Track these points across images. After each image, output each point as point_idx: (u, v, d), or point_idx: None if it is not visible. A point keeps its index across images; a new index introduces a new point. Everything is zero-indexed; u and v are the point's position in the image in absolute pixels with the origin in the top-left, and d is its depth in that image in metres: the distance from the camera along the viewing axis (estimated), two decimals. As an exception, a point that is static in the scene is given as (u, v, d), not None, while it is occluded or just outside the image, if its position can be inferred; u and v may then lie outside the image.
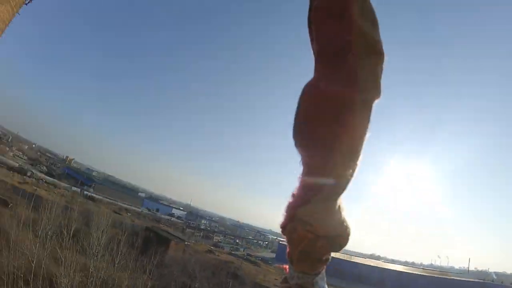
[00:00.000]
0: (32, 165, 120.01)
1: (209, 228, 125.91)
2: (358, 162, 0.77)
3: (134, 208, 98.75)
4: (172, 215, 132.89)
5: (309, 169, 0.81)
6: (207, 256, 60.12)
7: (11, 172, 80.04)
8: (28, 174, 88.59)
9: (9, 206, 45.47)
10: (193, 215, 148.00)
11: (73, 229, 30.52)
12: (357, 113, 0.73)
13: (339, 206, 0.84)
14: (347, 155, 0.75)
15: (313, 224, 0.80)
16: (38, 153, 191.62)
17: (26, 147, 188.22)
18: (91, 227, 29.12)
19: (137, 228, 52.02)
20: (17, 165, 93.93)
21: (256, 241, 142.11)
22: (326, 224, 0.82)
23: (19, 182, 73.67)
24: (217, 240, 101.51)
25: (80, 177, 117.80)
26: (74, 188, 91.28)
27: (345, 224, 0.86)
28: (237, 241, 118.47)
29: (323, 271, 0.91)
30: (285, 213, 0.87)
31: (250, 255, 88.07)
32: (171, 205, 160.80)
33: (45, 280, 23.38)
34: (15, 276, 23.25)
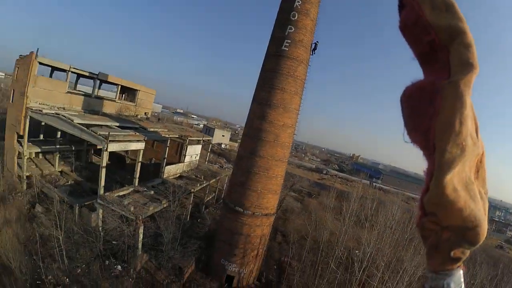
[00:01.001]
0: (325, 164, 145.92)
1: (503, 221, 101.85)
2: (460, 135, 0.73)
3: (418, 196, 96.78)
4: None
5: (425, 158, 0.80)
6: (496, 252, 54.75)
7: (310, 171, 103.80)
8: (324, 172, 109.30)
9: (313, 196, 61.65)
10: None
11: (369, 214, 36.43)
12: (447, 93, 0.73)
13: (464, 187, 0.76)
14: (443, 131, 0.73)
15: (436, 213, 0.76)
16: (328, 155, 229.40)
17: (318, 151, 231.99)
18: (381, 214, 32.65)
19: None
20: (313, 166, 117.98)
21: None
22: (449, 212, 0.75)
23: (318, 179, 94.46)
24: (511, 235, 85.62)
25: (368, 170, 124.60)
26: (364, 181, 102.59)
27: (473, 212, 0.75)
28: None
29: (458, 273, 0.80)
30: (417, 209, 0.82)
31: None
32: None
33: (342, 251, 28.16)
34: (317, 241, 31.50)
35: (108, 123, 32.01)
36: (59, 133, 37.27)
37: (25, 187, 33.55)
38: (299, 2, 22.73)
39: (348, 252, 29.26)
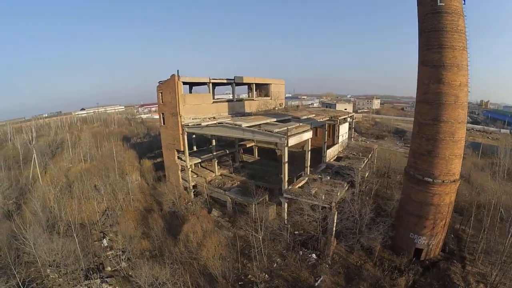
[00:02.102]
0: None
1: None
2: None
3: None
4: None
5: None
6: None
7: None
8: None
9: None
10: None
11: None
12: None
13: None
14: None
15: None
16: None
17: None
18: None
19: None
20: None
21: None
22: None
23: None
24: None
25: (505, 117, 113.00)
26: (503, 130, 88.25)
27: None
28: None
29: None
30: None
31: None
32: None
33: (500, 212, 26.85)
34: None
35: (268, 120, 31.52)
36: (213, 141, 38.85)
37: (192, 196, 36.09)
38: None
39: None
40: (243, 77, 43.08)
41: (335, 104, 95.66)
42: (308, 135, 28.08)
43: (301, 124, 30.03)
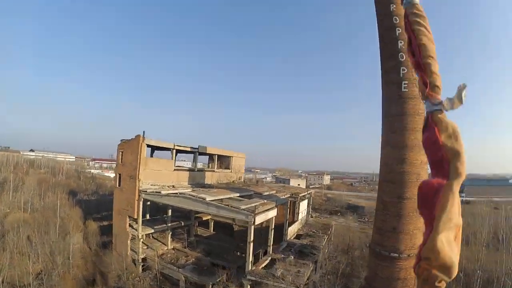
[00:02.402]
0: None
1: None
2: (449, 214, 1.31)
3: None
4: None
5: (426, 224, 1.39)
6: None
7: None
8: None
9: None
10: None
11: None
12: (446, 189, 1.33)
13: (449, 244, 1.29)
14: (440, 210, 1.31)
15: (430, 257, 1.28)
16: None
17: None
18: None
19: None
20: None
21: None
22: (438, 257, 1.26)
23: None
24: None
25: None
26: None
27: (451, 258, 1.28)
28: None
29: None
30: (416, 257, 1.38)
31: None
32: None
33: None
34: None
35: (231, 195, 30.63)
36: (169, 211, 36.55)
37: (141, 270, 32.32)
38: (401, 43, 23.42)
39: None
40: (206, 147, 43.02)
41: (289, 180, 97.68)
42: (273, 212, 27.60)
43: (265, 200, 29.54)
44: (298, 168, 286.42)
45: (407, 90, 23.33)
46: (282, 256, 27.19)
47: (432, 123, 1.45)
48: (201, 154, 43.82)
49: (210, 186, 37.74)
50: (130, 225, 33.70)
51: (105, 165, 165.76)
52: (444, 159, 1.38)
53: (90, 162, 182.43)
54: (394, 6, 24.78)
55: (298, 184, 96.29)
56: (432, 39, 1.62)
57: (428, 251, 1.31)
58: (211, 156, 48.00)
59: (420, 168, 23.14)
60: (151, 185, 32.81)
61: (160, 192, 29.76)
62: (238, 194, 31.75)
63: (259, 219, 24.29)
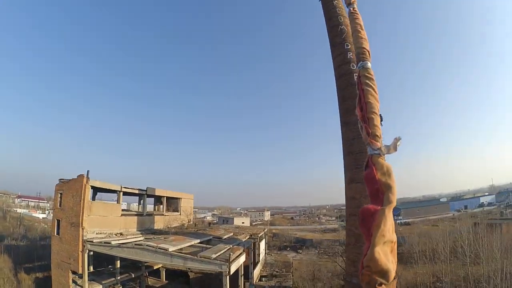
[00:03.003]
0: (342, 220, 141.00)
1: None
2: (383, 231, 1.77)
3: (445, 215, 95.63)
4: (482, 205, 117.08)
5: (366, 240, 1.83)
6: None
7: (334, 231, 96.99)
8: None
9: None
10: (503, 194, 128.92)
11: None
12: (380, 213, 1.79)
13: (384, 255, 1.69)
14: (376, 228, 1.76)
15: (370, 265, 1.65)
16: (335, 210, 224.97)
17: (324, 210, 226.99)
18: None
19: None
20: (336, 226, 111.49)
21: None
22: (376, 265, 1.64)
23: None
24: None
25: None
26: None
27: (386, 265, 1.67)
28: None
29: None
30: (360, 266, 1.72)
31: None
32: (476, 195, 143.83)
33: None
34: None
35: (192, 242, 27.56)
36: (118, 262, 31.45)
37: None
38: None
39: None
40: (155, 189, 39.56)
41: (233, 218, 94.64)
42: (243, 258, 25.26)
43: (232, 245, 27.10)
44: (236, 205, 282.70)
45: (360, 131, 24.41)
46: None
47: (371, 163, 1.96)
48: (149, 196, 40.05)
49: (162, 232, 33.90)
50: (73, 281, 28.09)
51: (32, 203, 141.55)
52: (380, 191, 1.84)
53: (16, 200, 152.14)
54: (351, 55, 26.81)
55: (242, 222, 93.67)
56: (377, 98, 2.16)
57: (368, 260, 1.66)
58: (158, 198, 44.34)
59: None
60: (96, 233, 28.26)
61: (109, 243, 25.42)
62: (198, 240, 28.78)
63: (234, 267, 21.80)
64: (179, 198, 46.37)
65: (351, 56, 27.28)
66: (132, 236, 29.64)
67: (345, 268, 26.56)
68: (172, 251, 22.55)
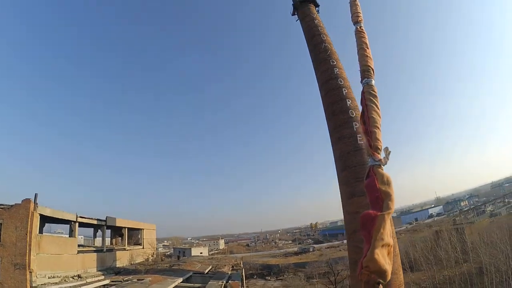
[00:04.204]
0: (299, 243, 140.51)
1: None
2: (382, 235, 1.81)
3: (399, 228, 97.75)
4: (431, 216, 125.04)
5: (366, 242, 1.85)
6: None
7: (296, 255, 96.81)
8: (311, 249, 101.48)
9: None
10: (451, 204, 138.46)
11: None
12: (379, 218, 1.84)
13: (383, 257, 1.74)
14: (376, 232, 1.82)
15: (369, 266, 1.70)
16: (288, 234, 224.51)
17: (278, 234, 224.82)
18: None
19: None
20: (296, 249, 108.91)
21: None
22: (375, 265, 1.69)
23: (317, 256, 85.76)
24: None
25: (338, 231, 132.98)
26: (345, 241, 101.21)
27: (385, 266, 1.72)
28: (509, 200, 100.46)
29: None
30: (358, 266, 1.76)
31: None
32: (423, 208, 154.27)
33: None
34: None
35: (175, 283, 22.70)
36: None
37: None
38: (349, 101, 25.07)
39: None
40: (115, 218, 33.74)
41: (190, 249, 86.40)
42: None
43: (222, 281, 22.62)
44: (186, 235, 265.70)
45: (362, 142, 23.71)
46: None
47: (372, 173, 2.08)
48: (109, 227, 33.99)
49: (130, 271, 27.77)
50: None
51: None
52: (379, 198, 1.95)
53: None
54: (338, 70, 27.37)
55: (201, 253, 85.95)
56: (380, 114, 2.28)
57: (367, 261, 1.70)
58: (117, 230, 37.75)
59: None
60: (48, 277, 21.38)
61: None
62: (181, 279, 23.84)
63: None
64: (141, 229, 40.23)
65: (338, 72, 27.08)
66: (94, 280, 23.30)
67: (352, 287, 23.93)
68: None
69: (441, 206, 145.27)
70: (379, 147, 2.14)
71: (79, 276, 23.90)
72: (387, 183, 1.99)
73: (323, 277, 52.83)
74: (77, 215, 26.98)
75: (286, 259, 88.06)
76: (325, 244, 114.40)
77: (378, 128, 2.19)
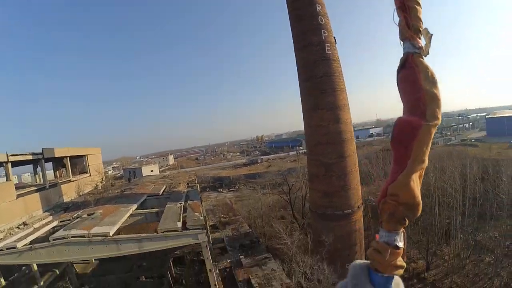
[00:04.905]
0: (247, 155, 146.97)
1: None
2: (424, 155, 1.27)
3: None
4: (372, 135, 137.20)
5: (396, 161, 1.31)
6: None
7: (245, 166, 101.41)
8: (259, 161, 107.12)
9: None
10: (390, 126, 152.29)
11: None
12: (424, 130, 1.24)
13: (417, 184, 1.27)
14: (418, 151, 1.25)
15: (398, 194, 1.24)
16: (236, 147, 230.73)
17: (225, 147, 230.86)
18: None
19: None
20: (244, 160, 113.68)
21: (460, 125, 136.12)
22: (407, 194, 1.24)
23: (265, 167, 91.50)
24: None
25: (286, 143, 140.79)
26: (291, 153, 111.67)
27: (419, 198, 1.28)
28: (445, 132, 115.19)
29: (402, 233, 1.26)
30: (380, 192, 1.31)
31: (465, 140, 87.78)
32: (364, 127, 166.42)
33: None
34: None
35: (129, 211, 21.66)
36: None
37: None
38: (319, 6, 23.43)
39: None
40: (54, 149, 30.60)
41: (140, 168, 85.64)
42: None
43: (180, 202, 22.35)
44: (134, 154, 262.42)
45: (330, 52, 23.31)
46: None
47: (412, 63, 1.40)
48: (47, 160, 30.93)
49: (79, 205, 26.31)
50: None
51: None
52: (421, 101, 1.35)
53: None
54: None
55: (151, 171, 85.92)
56: None
57: (397, 188, 1.29)
58: (58, 161, 34.84)
59: (350, 125, 24.32)
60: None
61: (15, 247, 17.51)
62: (135, 206, 23.06)
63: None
64: (84, 155, 37.71)
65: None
66: (42, 223, 22.03)
67: (311, 200, 25.73)
68: (116, 235, 16.79)
69: (382, 128, 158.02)
70: (420, 29, 1.51)
71: (24, 224, 22.07)
72: (432, 80, 1.41)
73: (275, 188, 55.31)
74: (7, 154, 23.91)
75: (236, 171, 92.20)
76: (272, 156, 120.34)
77: (419, 4, 1.54)
